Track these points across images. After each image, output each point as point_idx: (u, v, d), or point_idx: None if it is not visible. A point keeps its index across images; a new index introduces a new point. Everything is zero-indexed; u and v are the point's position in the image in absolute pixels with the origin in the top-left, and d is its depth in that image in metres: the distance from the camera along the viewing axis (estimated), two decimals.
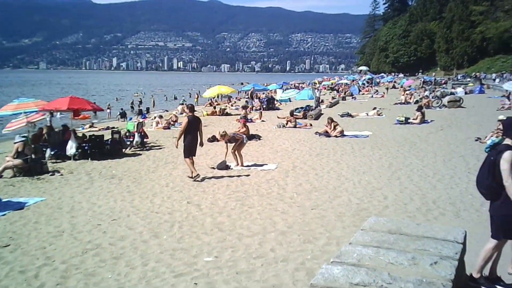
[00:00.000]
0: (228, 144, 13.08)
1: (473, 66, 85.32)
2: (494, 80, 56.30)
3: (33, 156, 12.84)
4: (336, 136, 18.47)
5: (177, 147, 11.85)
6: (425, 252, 3.54)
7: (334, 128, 19.05)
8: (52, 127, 16.98)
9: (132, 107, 41.60)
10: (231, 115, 29.60)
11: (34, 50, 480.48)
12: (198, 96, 49.82)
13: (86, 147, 15.15)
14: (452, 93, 37.28)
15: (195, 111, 13.24)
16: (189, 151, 11.56)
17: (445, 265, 3.24)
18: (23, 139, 13.31)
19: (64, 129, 16.51)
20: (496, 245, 5.20)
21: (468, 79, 65.24)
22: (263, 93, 47.34)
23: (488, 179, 5.02)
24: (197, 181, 11.26)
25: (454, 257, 3.46)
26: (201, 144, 11.83)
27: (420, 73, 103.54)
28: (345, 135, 18.64)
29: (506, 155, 4.79)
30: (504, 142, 5.00)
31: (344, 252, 3.61)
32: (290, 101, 39.17)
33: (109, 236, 7.44)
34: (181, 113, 30.54)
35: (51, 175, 12.47)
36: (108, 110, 35.84)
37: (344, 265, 3.34)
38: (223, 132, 13.24)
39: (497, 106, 27.85)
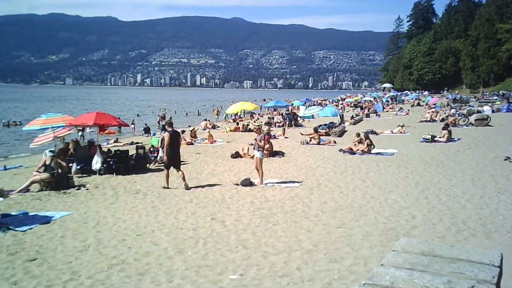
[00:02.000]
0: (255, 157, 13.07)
1: (499, 84, 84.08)
2: None
3: (59, 170, 13.01)
4: (363, 152, 18.37)
5: (166, 161, 12.58)
6: (461, 275, 3.40)
7: (360, 143, 19.04)
8: (79, 142, 17.21)
9: (158, 123, 41.99)
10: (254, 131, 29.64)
11: (61, 66, 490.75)
12: (218, 112, 49.90)
13: (111, 162, 15.31)
14: (479, 111, 36.69)
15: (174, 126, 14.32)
16: (170, 164, 12.60)
17: None
18: (52, 154, 13.49)
19: (90, 144, 16.73)
20: None
21: (495, 97, 64.21)
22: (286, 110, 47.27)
23: None
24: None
25: (492, 281, 3.32)
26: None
27: (445, 91, 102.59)
28: (371, 153, 18.44)
29: None
30: None
31: (376, 273, 3.49)
32: (313, 117, 39.06)
33: (134, 251, 7.44)
34: (204, 129, 30.71)
35: (77, 189, 12.61)
36: (132, 126, 36.30)
37: (377, 287, 3.23)
38: (258, 126, 14.02)
39: None
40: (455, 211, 9.49)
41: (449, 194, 11.11)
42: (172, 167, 12.70)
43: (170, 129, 12.89)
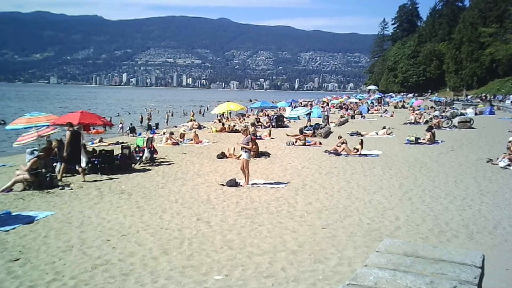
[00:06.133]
0: (242, 158, 13.05)
1: (482, 88, 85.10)
2: None
3: (43, 170, 12.87)
4: (355, 154, 18.45)
5: (65, 157, 13.41)
6: (443, 276, 3.44)
7: (343, 143, 19.12)
8: (62, 141, 17.01)
9: (141, 122, 41.78)
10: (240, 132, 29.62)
11: (45, 65, 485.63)
12: (193, 114, 49.67)
13: (96, 162, 15.20)
14: (462, 114, 37.12)
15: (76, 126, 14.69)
16: (70, 160, 13.66)
17: None
18: (33, 155, 13.36)
19: None
20: None
21: (478, 100, 64.97)
22: (272, 111, 47.36)
23: None
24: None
25: (473, 281, 3.37)
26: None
27: (429, 93, 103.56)
28: (355, 154, 18.53)
29: None
30: None
31: (360, 274, 3.52)
32: (299, 118, 39.15)
33: (119, 252, 7.40)
34: (190, 129, 30.62)
35: (61, 189, 12.50)
36: (121, 125, 36.05)
37: None
38: (245, 127, 14.18)
39: (508, 128, 27.66)
40: (438, 212, 9.59)
41: (432, 195, 11.24)
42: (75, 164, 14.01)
43: (71, 128, 13.84)
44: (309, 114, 35.18)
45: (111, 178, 14.05)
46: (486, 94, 72.50)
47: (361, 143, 19.18)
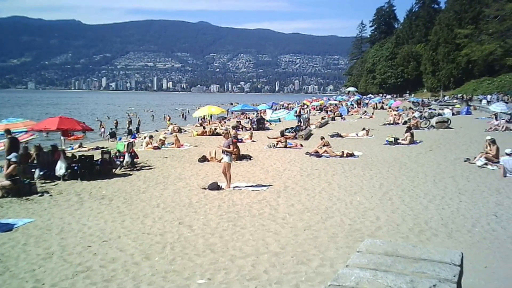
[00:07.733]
0: (223, 161, 13.06)
1: (459, 88, 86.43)
2: (489, 102, 55.66)
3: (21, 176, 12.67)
4: (342, 155, 18.47)
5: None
6: (423, 275, 3.50)
7: (325, 145, 19.16)
8: (41, 147, 16.78)
9: (116, 126, 41.17)
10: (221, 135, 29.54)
11: (23, 70, 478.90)
12: (170, 118, 49.35)
13: (75, 167, 15.01)
14: (439, 114, 37.66)
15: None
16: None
17: None
18: (15, 159, 13.11)
19: (53, 149, 16.36)
20: None
21: (455, 101, 65.94)
22: (253, 113, 47.43)
23: None
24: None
25: (453, 280, 3.42)
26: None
27: (407, 94, 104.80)
28: (336, 155, 18.64)
29: None
30: None
31: (342, 275, 3.55)
32: (280, 121, 39.26)
33: (100, 258, 7.33)
34: (171, 133, 30.45)
35: (40, 195, 12.31)
36: (102, 129, 35.69)
37: None
38: (226, 130, 14.24)
39: (485, 127, 28.16)
40: (418, 211, 9.72)
41: (412, 195, 11.38)
42: None
43: (9, 136, 14.62)
44: (299, 116, 35.28)
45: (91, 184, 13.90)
46: (463, 94, 73.62)
47: (352, 153, 19.02)
